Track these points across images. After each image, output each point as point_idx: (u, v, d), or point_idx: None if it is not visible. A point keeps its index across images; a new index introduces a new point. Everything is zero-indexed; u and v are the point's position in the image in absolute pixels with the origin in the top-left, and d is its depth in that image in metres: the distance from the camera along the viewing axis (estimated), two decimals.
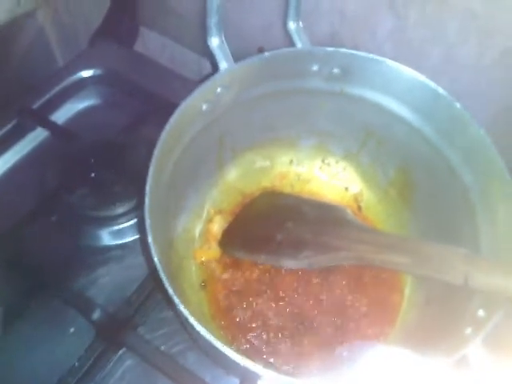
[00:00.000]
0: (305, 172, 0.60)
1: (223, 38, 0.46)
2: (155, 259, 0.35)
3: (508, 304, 0.36)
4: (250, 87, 0.49)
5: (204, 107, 0.45)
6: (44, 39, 0.79)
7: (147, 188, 0.37)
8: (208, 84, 0.43)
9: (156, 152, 0.39)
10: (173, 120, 0.41)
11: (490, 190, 0.43)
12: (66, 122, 0.69)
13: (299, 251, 0.48)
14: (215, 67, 0.47)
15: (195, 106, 0.44)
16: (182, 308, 0.33)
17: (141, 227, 0.38)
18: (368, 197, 0.58)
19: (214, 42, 0.45)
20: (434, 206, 0.51)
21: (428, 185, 0.52)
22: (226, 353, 0.33)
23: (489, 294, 0.38)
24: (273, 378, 0.33)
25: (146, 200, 0.37)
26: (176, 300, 0.34)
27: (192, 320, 0.33)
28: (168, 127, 0.40)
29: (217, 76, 0.43)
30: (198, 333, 0.33)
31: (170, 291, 0.34)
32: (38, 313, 0.53)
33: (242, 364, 0.33)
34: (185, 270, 0.51)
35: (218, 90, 0.45)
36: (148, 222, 0.36)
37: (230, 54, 0.46)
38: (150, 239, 0.35)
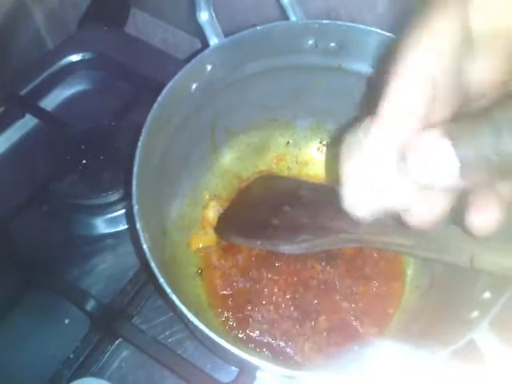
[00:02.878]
0: (302, 154, 0.58)
1: (213, 13, 0.43)
2: (144, 246, 0.33)
3: None
4: (243, 65, 0.46)
5: (194, 86, 0.42)
6: (32, 23, 0.77)
7: (134, 171, 0.35)
8: (196, 61, 0.41)
9: (143, 134, 0.37)
10: (160, 100, 0.39)
11: None
12: (55, 109, 0.67)
13: (296, 235, 0.46)
14: (205, 45, 0.45)
15: (184, 85, 0.42)
16: (174, 297, 0.32)
17: (130, 215, 0.37)
18: None
19: (203, 16, 0.43)
20: None
21: None
22: (222, 344, 0.31)
23: (495, 275, 0.36)
24: (271, 368, 0.32)
25: (134, 184, 0.35)
26: (167, 289, 0.32)
27: (185, 310, 0.32)
28: (155, 108, 0.38)
29: (206, 52, 0.41)
30: (191, 323, 0.32)
31: (161, 280, 0.32)
32: (32, 305, 0.52)
33: (238, 355, 0.31)
34: (180, 258, 0.49)
35: (208, 67, 0.43)
36: (136, 207, 0.34)
37: (220, 30, 0.44)
38: (138, 225, 0.34)
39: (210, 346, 0.41)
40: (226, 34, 0.45)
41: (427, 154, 0.23)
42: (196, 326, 0.31)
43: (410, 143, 0.24)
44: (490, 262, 0.34)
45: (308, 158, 0.58)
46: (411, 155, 0.24)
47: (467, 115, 0.23)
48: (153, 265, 0.32)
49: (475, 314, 0.35)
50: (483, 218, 0.26)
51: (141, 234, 0.33)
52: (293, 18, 0.47)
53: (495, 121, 0.22)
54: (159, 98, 0.39)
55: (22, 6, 0.73)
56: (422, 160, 0.23)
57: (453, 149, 0.22)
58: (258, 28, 0.43)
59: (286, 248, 0.48)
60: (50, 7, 0.77)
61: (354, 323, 0.48)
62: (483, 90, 0.28)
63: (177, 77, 0.40)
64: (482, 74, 0.28)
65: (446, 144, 0.22)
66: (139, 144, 0.37)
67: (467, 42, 0.26)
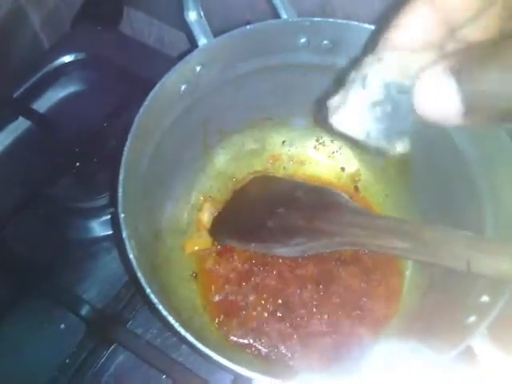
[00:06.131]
0: (298, 153, 0.57)
1: (201, 12, 0.42)
2: (131, 256, 0.32)
3: None
4: (234, 64, 0.45)
5: (183, 88, 0.41)
6: (30, 26, 0.76)
7: (120, 179, 0.34)
8: (184, 62, 0.40)
9: (130, 138, 0.36)
10: (147, 104, 0.38)
11: (496, 168, 0.40)
12: (48, 111, 0.66)
13: (291, 238, 0.45)
14: (195, 45, 0.44)
15: (173, 86, 0.41)
16: (160, 307, 0.31)
17: (115, 222, 0.36)
18: (365, 177, 0.55)
19: (192, 16, 0.42)
20: (435, 186, 0.48)
21: (429, 163, 0.48)
22: (211, 355, 0.31)
23: (492, 279, 0.35)
24: (264, 380, 0.31)
25: (119, 191, 0.34)
26: (154, 300, 0.31)
27: (172, 320, 0.31)
28: (142, 113, 0.37)
29: (194, 53, 0.40)
30: (179, 333, 0.31)
31: (148, 290, 0.31)
32: (28, 310, 0.51)
33: (229, 367, 0.31)
34: (174, 262, 0.49)
35: (198, 68, 0.42)
36: (122, 215, 0.33)
37: (209, 30, 0.42)
38: (124, 234, 0.33)
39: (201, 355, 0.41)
40: (221, 33, 0.44)
41: (430, 90, 0.22)
42: (184, 337, 0.31)
43: (418, 75, 0.23)
44: (486, 266, 0.34)
45: (304, 157, 0.57)
46: (415, 89, 0.23)
47: (471, 49, 0.22)
48: (139, 275, 0.32)
49: (472, 318, 0.35)
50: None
51: (127, 243, 0.33)
52: (284, 14, 0.45)
53: (503, 55, 0.21)
54: (146, 102, 0.38)
55: (19, 8, 0.72)
56: (425, 96, 0.22)
57: (457, 85, 0.21)
58: (248, 27, 0.42)
59: (281, 251, 0.47)
60: (46, 9, 0.76)
61: (352, 325, 0.47)
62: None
63: (164, 79, 0.39)
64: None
65: (450, 80, 0.21)
66: (125, 150, 0.36)
67: None
